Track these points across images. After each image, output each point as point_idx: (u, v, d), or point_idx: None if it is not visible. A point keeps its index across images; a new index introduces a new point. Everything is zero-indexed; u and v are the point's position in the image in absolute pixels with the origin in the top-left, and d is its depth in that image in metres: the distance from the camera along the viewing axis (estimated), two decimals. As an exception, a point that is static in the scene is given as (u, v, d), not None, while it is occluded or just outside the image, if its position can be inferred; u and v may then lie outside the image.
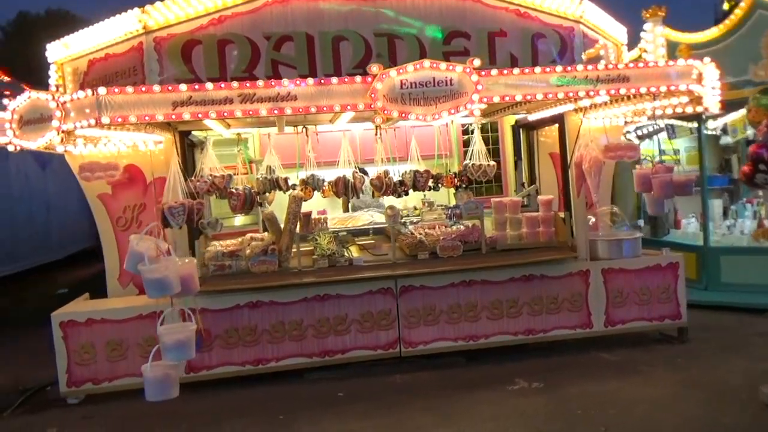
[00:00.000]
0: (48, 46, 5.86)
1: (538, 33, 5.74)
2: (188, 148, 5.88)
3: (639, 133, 10.12)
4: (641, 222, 10.33)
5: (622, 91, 4.58)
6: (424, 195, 7.14)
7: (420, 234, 5.80)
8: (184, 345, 3.61)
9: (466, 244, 5.63)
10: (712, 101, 4.75)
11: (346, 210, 7.36)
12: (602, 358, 5.60)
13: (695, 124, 8.28)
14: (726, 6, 7.37)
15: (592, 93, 4.49)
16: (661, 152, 12.96)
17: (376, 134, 5.73)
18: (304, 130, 5.98)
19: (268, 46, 5.29)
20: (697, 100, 4.79)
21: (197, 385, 5.07)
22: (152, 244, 3.63)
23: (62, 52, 5.74)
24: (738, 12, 6.91)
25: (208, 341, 5.03)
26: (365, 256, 5.76)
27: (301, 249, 5.49)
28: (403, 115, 4.18)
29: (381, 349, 5.50)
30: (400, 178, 5.77)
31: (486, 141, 7.42)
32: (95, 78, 5.67)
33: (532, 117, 6.36)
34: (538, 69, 4.48)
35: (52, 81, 5.92)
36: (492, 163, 5.95)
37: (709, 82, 4.71)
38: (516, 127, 7.39)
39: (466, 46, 5.61)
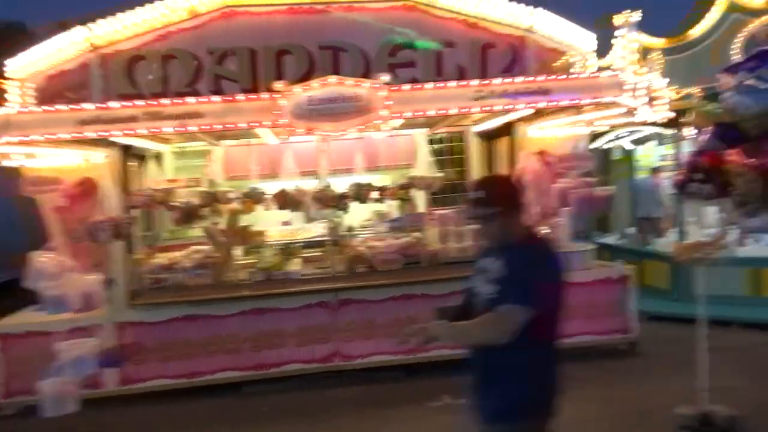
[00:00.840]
0: (7, 61, 6.02)
1: (488, 43, 5.67)
2: (142, 161, 5.98)
3: (632, 139, 9.97)
4: (631, 229, 10.13)
5: (543, 104, 4.50)
6: (390, 205, 7.11)
7: (363, 247, 5.79)
8: (82, 361, 3.66)
9: (407, 257, 5.60)
10: (646, 112, 4.63)
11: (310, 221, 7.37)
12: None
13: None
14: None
15: (510, 107, 4.42)
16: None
17: (321, 145, 5.73)
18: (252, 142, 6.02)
19: (212, 61, 5.34)
20: (630, 111, 4.68)
21: (131, 398, 5.14)
22: (54, 261, 3.70)
23: (21, 67, 5.87)
24: (709, 16, 6.72)
25: (138, 354, 5.08)
26: (307, 269, 5.77)
27: (243, 262, 5.54)
28: (311, 131, 4.18)
29: (318, 363, 5.50)
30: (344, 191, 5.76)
31: (451, 151, 7.38)
32: (53, 93, 5.80)
33: (478, 128, 6.29)
34: (452, 83, 4.43)
35: (14, 96, 6.08)
36: (438, 174, 5.90)
37: (641, 93, 4.59)
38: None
39: (413, 58, 5.58)
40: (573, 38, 6.06)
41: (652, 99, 4.64)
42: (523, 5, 5.58)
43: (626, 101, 4.55)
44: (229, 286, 5.34)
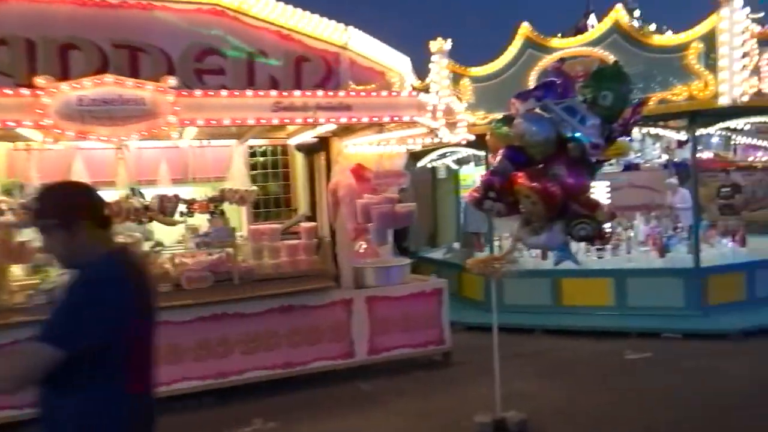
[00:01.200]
0: None
1: (303, 56, 5.61)
2: None
3: (454, 159, 10.55)
4: (456, 245, 10.69)
5: (343, 120, 4.52)
6: (210, 218, 6.70)
7: (169, 264, 5.35)
8: None
9: (218, 274, 5.27)
10: (445, 133, 4.84)
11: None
12: (359, 390, 5.47)
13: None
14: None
15: (311, 120, 4.37)
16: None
17: (120, 152, 5.21)
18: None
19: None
20: (432, 131, 4.87)
21: None
22: None
23: None
24: (510, 49, 7.30)
25: None
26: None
27: (23, 283, 4.81)
28: (83, 135, 3.74)
29: (112, 394, 4.91)
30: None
31: (275, 164, 7.19)
32: None
33: (293, 141, 6.20)
34: (250, 92, 4.28)
35: None
36: (253, 188, 5.68)
37: (440, 114, 4.80)
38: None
39: (222, 65, 5.33)
40: (390, 59, 6.26)
41: (452, 122, 4.87)
42: (335, 22, 5.62)
43: (426, 122, 4.72)
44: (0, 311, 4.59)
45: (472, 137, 5.56)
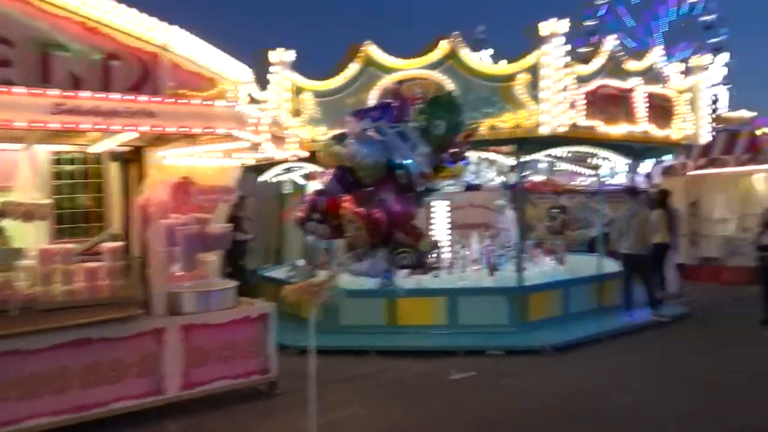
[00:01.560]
0: None
1: (112, 54, 4.93)
2: None
3: (301, 174, 10.17)
4: (302, 262, 10.31)
5: (144, 129, 4.00)
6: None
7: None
8: None
9: (-9, 304, 4.40)
10: (271, 148, 4.49)
11: None
12: (168, 430, 4.89)
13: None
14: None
15: (103, 127, 3.79)
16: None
17: None
18: None
19: None
20: (255, 146, 4.49)
21: None
22: None
23: None
24: (352, 66, 7.16)
25: None
26: None
27: None
28: None
29: None
30: None
31: (86, 174, 6.29)
32: None
33: (96, 148, 5.47)
34: (21, 90, 3.61)
35: None
36: (46, 201, 4.86)
37: (264, 128, 4.45)
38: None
39: (9, 56, 4.49)
40: (223, 66, 5.76)
41: (279, 136, 4.53)
42: (155, 19, 5.02)
43: (245, 135, 4.34)
44: None
45: (305, 153, 5.27)
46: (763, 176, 12.52)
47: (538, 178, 21.76)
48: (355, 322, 7.86)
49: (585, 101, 6.95)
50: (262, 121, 4.43)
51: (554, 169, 11.47)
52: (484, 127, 6.81)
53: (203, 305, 5.35)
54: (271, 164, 8.53)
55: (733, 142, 12.51)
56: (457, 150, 4.34)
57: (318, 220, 4.12)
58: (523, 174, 12.24)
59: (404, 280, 4.85)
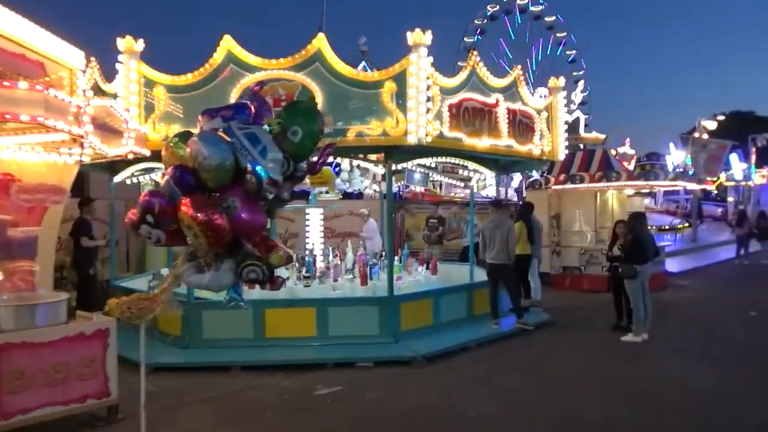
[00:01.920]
0: None
1: None
2: None
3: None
4: (166, 270, 9.59)
5: None
6: None
7: None
8: None
9: None
10: (96, 142, 4.01)
11: None
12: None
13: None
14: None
15: None
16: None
17: None
18: None
19: None
20: (76, 138, 3.99)
21: None
22: None
23: None
24: (212, 62, 6.75)
25: None
26: None
27: None
28: None
29: None
30: None
31: None
32: None
33: None
34: None
35: None
36: None
37: (88, 120, 3.96)
38: None
39: None
40: (56, 50, 5.15)
41: (114, 131, 4.07)
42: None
43: (61, 125, 3.83)
44: None
45: (145, 151, 4.81)
46: (615, 193, 13.69)
47: (419, 188, 22.52)
48: (219, 336, 7.40)
49: (449, 113, 7.08)
50: (85, 111, 3.94)
51: (429, 179, 11.71)
52: (350, 134, 6.71)
53: (25, 321, 4.66)
54: (126, 163, 7.86)
55: (588, 161, 13.55)
56: (315, 162, 4.16)
57: (151, 224, 3.74)
58: (405, 184, 12.56)
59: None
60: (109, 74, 7.06)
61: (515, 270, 8.72)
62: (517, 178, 22.83)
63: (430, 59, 6.67)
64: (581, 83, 34.57)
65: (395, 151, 7.17)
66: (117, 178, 8.68)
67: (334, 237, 15.49)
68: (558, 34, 36.59)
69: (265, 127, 3.95)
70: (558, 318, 9.52)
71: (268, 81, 6.56)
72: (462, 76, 7.31)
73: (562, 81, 9.14)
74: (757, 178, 29.12)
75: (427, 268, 9.54)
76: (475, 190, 12.32)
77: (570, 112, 27.01)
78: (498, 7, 37.19)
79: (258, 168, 3.71)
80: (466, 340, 7.81)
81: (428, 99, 6.68)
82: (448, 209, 15.30)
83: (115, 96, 6.65)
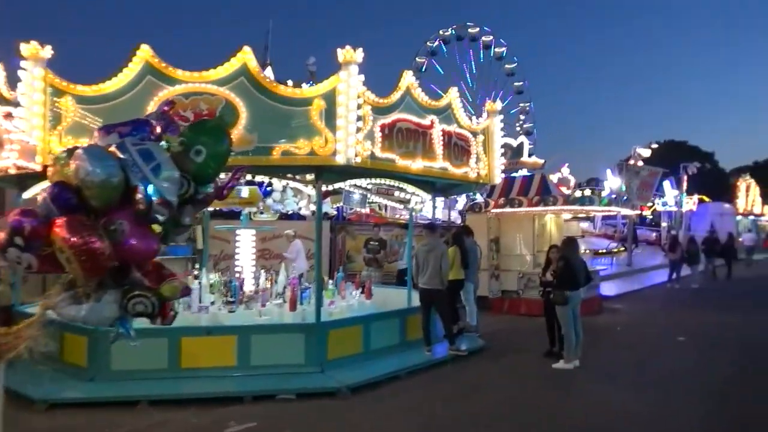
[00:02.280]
0: None
1: None
2: None
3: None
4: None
5: None
6: None
7: None
8: None
9: None
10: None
11: None
12: None
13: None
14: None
15: None
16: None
17: None
18: None
19: None
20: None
21: None
22: None
23: None
24: (126, 72, 6.29)
25: None
26: None
27: None
28: None
29: None
30: None
31: None
32: None
33: None
34: None
35: None
36: None
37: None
38: None
39: None
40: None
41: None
42: None
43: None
44: None
45: (35, 166, 4.34)
46: (552, 217, 13.82)
47: (363, 209, 22.23)
48: (130, 366, 6.80)
49: (382, 133, 6.86)
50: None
51: (368, 201, 11.46)
52: (276, 152, 6.37)
53: None
54: (37, 178, 7.23)
55: (527, 185, 13.66)
56: (223, 185, 3.83)
57: (20, 247, 3.29)
58: (343, 205, 12.26)
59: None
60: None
61: (448, 295, 8.54)
62: (461, 200, 22.99)
63: (362, 77, 6.45)
64: (527, 110, 35.55)
65: (325, 171, 6.88)
66: (26, 194, 7.97)
67: (272, 258, 15.00)
68: (507, 66, 37.45)
69: (163, 143, 3.59)
70: (493, 343, 9.38)
71: (190, 95, 6.16)
72: (395, 96, 7.12)
73: (498, 105, 9.11)
74: (688, 204, 30.43)
75: (363, 292, 9.24)
76: (415, 213, 12.16)
77: (515, 137, 27.63)
78: (450, 32, 37.87)
79: (149, 187, 3.35)
80: (396, 369, 7.52)
81: (359, 118, 6.44)
82: (390, 231, 15.07)
83: (16, 105, 6.09)
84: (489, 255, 12.96)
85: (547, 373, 7.70)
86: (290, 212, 12.10)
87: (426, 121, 7.54)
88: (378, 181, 8.11)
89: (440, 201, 24.56)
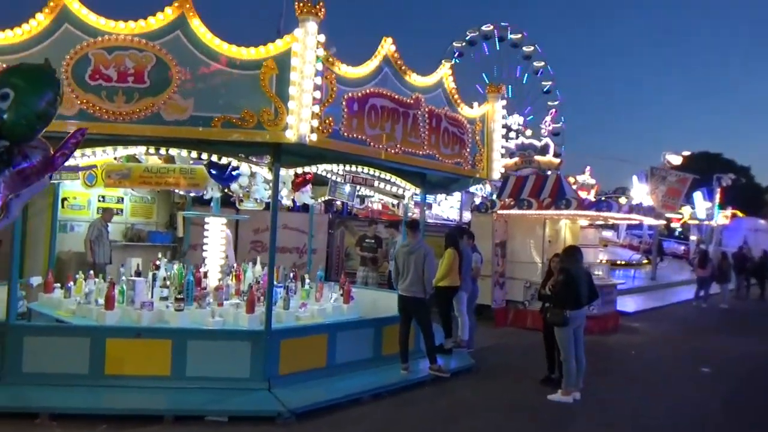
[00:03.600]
0: None
1: None
2: None
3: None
4: (36, 279, 7.98)
5: None
6: None
7: None
8: None
9: None
10: None
11: None
12: None
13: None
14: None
15: None
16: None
17: None
18: None
19: None
20: None
21: None
22: None
23: None
24: (42, 19, 5.25)
25: None
26: None
27: None
28: None
29: None
30: None
31: None
32: None
33: None
34: None
35: None
36: None
37: None
38: None
39: None
40: None
41: None
42: None
43: None
44: None
45: None
46: (568, 223, 12.47)
47: (375, 204, 21.03)
48: (45, 369, 5.82)
49: (348, 109, 5.71)
50: None
51: (357, 194, 10.30)
52: (216, 124, 5.28)
53: None
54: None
55: (541, 185, 12.36)
56: (55, 152, 2.76)
57: None
58: (330, 198, 11.11)
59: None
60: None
61: (443, 305, 7.38)
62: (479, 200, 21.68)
63: (321, 38, 5.30)
64: (552, 112, 33.86)
65: (282, 152, 5.75)
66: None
67: (264, 251, 13.99)
68: (535, 64, 35.71)
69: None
70: (486, 362, 8.19)
71: (112, 49, 5.12)
72: (371, 65, 5.96)
73: (502, 89, 7.82)
74: (721, 218, 28.53)
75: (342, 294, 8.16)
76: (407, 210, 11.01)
77: (540, 138, 26.09)
78: (477, 33, 36.32)
79: None
80: (363, 390, 6.38)
81: (316, 87, 5.29)
82: (388, 227, 13.90)
83: None
84: (493, 260, 11.71)
85: (540, 405, 6.47)
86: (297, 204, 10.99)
87: (408, 99, 6.36)
88: (355, 168, 6.94)
89: (456, 200, 23.56)
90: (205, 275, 7.87)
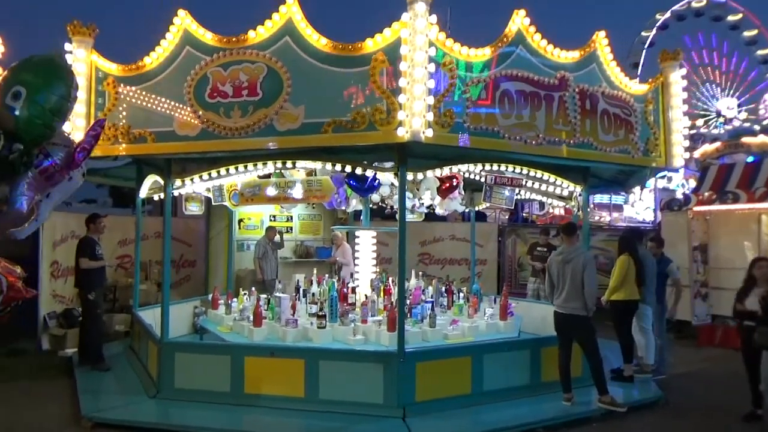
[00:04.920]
0: None
1: None
2: None
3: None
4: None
5: None
6: None
7: None
8: None
9: None
10: None
11: None
12: None
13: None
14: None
15: None
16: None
17: None
18: None
19: None
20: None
21: None
22: None
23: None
24: (165, 44, 5.37)
25: None
26: None
27: None
28: None
29: None
30: None
31: None
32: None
33: None
34: None
35: None
36: None
37: None
38: None
39: None
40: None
41: None
42: None
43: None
44: None
45: None
46: (793, 217, 9.93)
47: (557, 210, 19.45)
48: (193, 386, 5.98)
49: (473, 98, 4.91)
50: None
51: (517, 197, 9.30)
52: (328, 130, 4.88)
53: None
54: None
55: (753, 174, 10.04)
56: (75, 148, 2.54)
57: None
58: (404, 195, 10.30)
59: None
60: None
61: (622, 322, 6.19)
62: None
63: (433, 19, 4.61)
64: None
65: (408, 155, 5.17)
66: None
67: (432, 264, 13.64)
68: (746, 34, 29.79)
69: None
70: (679, 392, 6.66)
71: (227, 65, 5.06)
72: (498, 48, 5.08)
73: (679, 56, 6.27)
74: None
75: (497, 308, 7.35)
76: (576, 210, 9.65)
77: (758, 122, 21.88)
78: (669, 14, 31.77)
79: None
80: (511, 424, 5.45)
81: (429, 76, 4.61)
82: (557, 236, 12.52)
83: None
84: (692, 267, 9.76)
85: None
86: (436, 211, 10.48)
87: (551, 80, 5.35)
88: (496, 167, 6.07)
89: (650, 197, 20.76)
90: (353, 291, 7.63)
